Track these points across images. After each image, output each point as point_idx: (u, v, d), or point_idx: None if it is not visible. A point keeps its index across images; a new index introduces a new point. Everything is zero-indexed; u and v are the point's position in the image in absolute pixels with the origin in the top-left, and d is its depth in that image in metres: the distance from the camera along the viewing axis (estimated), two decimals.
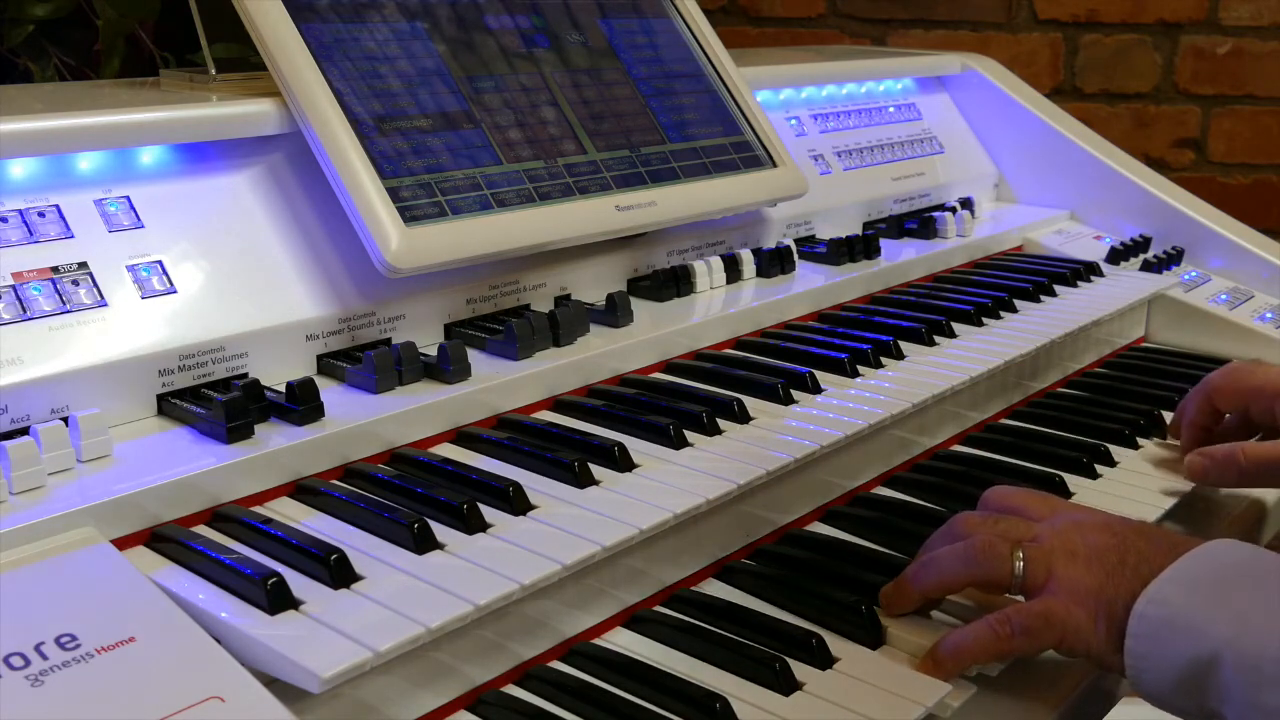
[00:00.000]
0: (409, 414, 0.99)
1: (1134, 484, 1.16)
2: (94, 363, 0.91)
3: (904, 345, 1.26)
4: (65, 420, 0.87)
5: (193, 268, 0.99)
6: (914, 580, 0.91)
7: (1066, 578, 0.86)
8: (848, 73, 1.74)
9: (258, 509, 0.88)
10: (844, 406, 1.11)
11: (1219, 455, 1.08)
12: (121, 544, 0.80)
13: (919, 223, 1.65)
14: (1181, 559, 0.83)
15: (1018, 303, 1.44)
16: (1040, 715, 0.89)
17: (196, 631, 0.71)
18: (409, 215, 1.05)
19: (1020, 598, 0.89)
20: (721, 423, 1.05)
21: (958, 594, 0.93)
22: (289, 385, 0.95)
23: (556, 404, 1.10)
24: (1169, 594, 0.82)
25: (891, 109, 1.80)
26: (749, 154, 1.40)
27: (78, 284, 0.93)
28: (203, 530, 0.85)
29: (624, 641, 0.89)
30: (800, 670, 0.84)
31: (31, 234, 0.93)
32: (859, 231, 1.61)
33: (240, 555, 0.80)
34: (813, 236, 1.55)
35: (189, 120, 1.02)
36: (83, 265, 0.94)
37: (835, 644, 0.87)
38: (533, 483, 0.92)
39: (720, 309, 1.28)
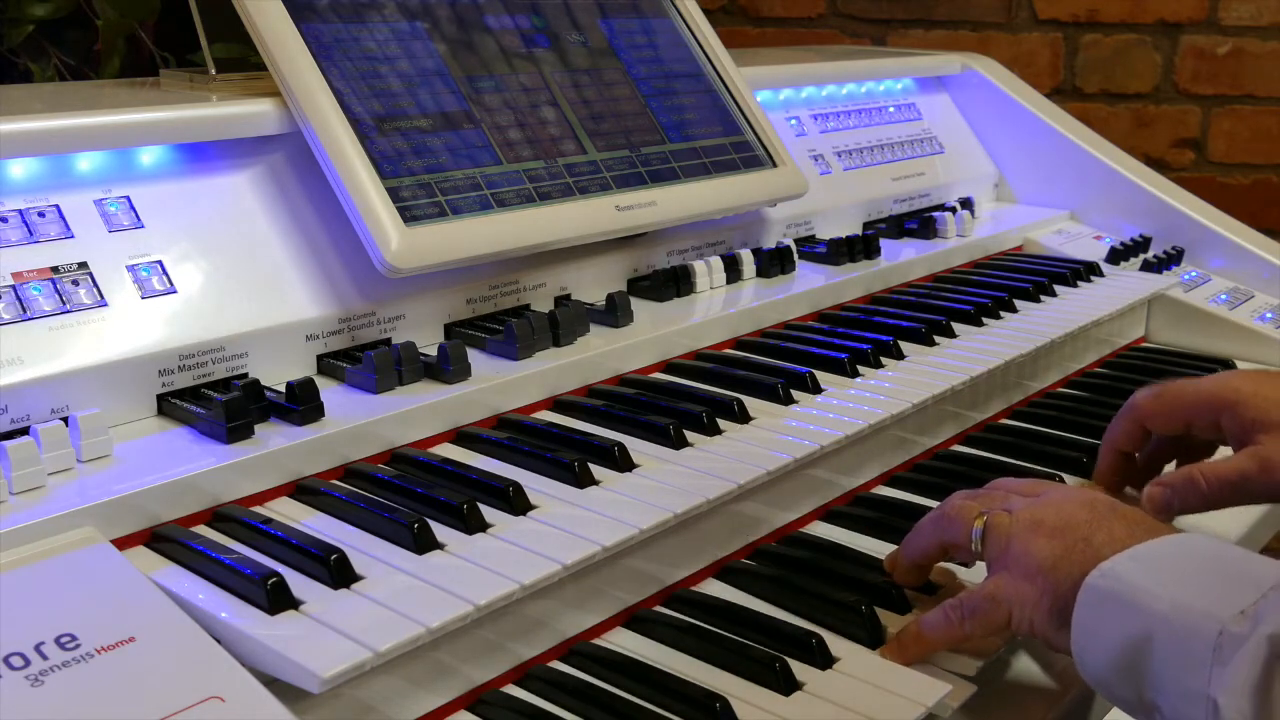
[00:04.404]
0: (409, 414, 0.99)
1: None
2: (94, 363, 0.91)
3: (904, 345, 1.26)
4: (65, 420, 0.87)
5: (193, 268, 0.99)
6: (902, 549, 0.94)
7: (1022, 551, 0.84)
8: (848, 73, 1.74)
9: (258, 509, 0.88)
10: (844, 406, 1.11)
11: (1178, 482, 1.00)
12: (121, 544, 0.80)
13: (919, 223, 1.65)
14: (1147, 542, 0.80)
15: (1018, 303, 1.44)
16: (1040, 715, 0.89)
17: (196, 631, 0.71)
18: (409, 215, 1.05)
19: None
20: (721, 423, 1.05)
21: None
22: (289, 385, 0.95)
23: (556, 404, 1.10)
24: (1120, 570, 0.79)
25: (891, 109, 1.80)
26: (749, 154, 1.40)
27: (78, 284, 0.93)
28: (203, 530, 0.85)
29: (624, 641, 0.89)
30: (800, 670, 0.84)
31: (31, 234, 0.93)
32: (859, 231, 1.61)
33: (240, 555, 0.80)
34: (813, 236, 1.55)
35: (189, 120, 1.02)
36: (83, 265, 0.94)
37: (835, 644, 0.87)
38: (533, 483, 0.92)
39: (720, 309, 1.28)
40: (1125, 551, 0.80)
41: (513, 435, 1.01)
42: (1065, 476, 1.15)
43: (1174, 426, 1.05)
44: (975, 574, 0.97)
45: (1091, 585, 0.79)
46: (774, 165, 1.41)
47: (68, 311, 0.91)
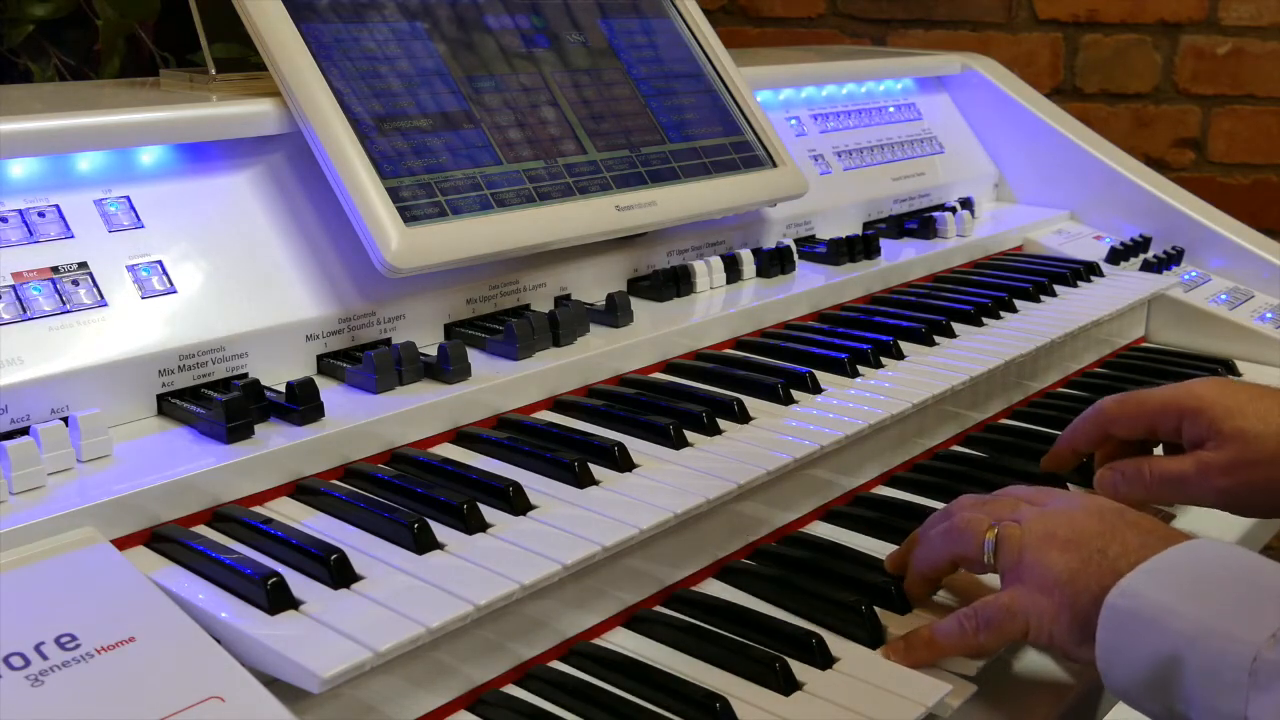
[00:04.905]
0: (409, 414, 0.99)
1: None
2: (94, 363, 0.91)
3: (904, 345, 1.26)
4: (65, 420, 0.87)
5: (193, 268, 0.99)
6: (913, 563, 0.93)
7: (1036, 563, 0.84)
8: (848, 73, 1.74)
9: (258, 509, 0.88)
10: (844, 406, 1.11)
11: (1128, 470, 1.03)
12: (121, 544, 0.80)
13: (919, 223, 1.65)
14: (1162, 554, 0.81)
15: (1018, 303, 1.44)
16: (1041, 715, 0.89)
17: (196, 631, 0.71)
18: (409, 215, 1.05)
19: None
20: (721, 423, 1.05)
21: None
22: (289, 385, 0.95)
23: (556, 404, 1.10)
24: (1140, 587, 0.79)
25: (891, 109, 1.80)
26: (749, 154, 1.40)
27: (78, 284, 0.93)
28: (203, 530, 0.85)
29: (624, 641, 0.89)
30: (800, 670, 0.84)
31: (31, 234, 0.93)
32: (859, 231, 1.61)
33: (240, 555, 0.80)
34: (813, 236, 1.55)
35: (189, 120, 1.02)
36: (83, 265, 0.94)
37: (835, 644, 0.87)
38: (533, 483, 0.92)
39: (720, 309, 1.28)
40: (1142, 566, 0.80)
41: (513, 435, 1.01)
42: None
43: (1137, 431, 1.06)
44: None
45: (1112, 605, 0.79)
46: (774, 165, 1.41)
47: (68, 311, 0.91)
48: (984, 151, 1.91)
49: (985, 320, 1.38)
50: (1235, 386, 1.03)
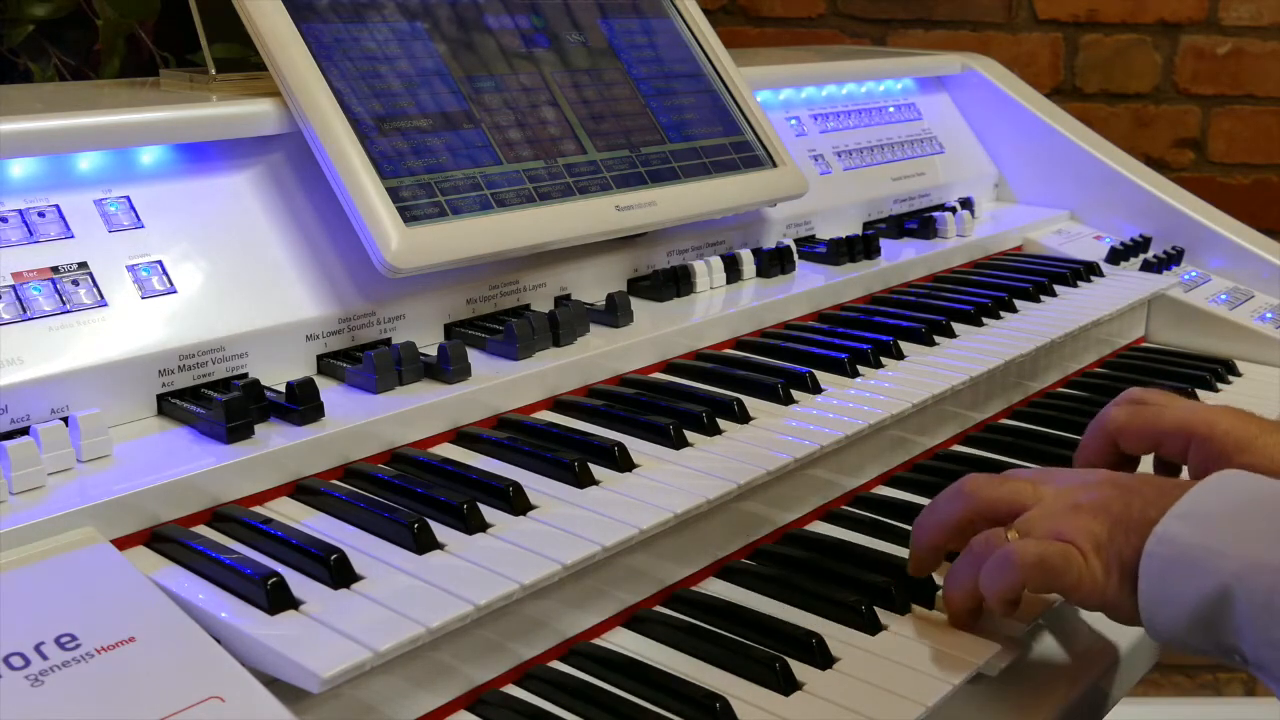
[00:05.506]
0: (409, 414, 0.99)
1: None
2: (94, 363, 0.91)
3: (904, 345, 1.26)
4: (65, 420, 0.87)
5: (193, 268, 0.99)
6: (951, 602, 0.91)
7: (1078, 529, 0.84)
8: (848, 73, 1.74)
9: (258, 509, 0.88)
10: (844, 406, 1.11)
11: None
12: (121, 544, 0.80)
13: (919, 223, 1.65)
14: (1188, 495, 0.81)
15: (1018, 303, 1.44)
16: (1040, 715, 0.89)
17: (196, 631, 0.71)
18: (409, 215, 1.05)
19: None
20: (721, 423, 1.05)
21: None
22: (289, 385, 0.95)
23: (556, 404, 1.10)
24: (1176, 531, 0.80)
25: (891, 109, 1.80)
26: (749, 154, 1.40)
27: (78, 284, 0.93)
28: (203, 530, 0.85)
29: (624, 641, 0.89)
30: (800, 670, 0.84)
31: (31, 234, 0.93)
32: (859, 231, 1.61)
33: (240, 555, 0.80)
34: (813, 236, 1.55)
35: (189, 120, 1.02)
36: (83, 265, 0.94)
37: (835, 644, 0.87)
38: (533, 483, 0.92)
39: (720, 309, 1.28)
40: (1172, 511, 0.81)
41: (513, 435, 1.02)
42: None
43: (1143, 447, 1.06)
44: None
45: (1152, 553, 0.80)
46: (774, 165, 1.41)
47: (68, 311, 0.91)
48: (984, 151, 1.91)
49: (985, 320, 1.38)
50: (1247, 418, 1.01)
